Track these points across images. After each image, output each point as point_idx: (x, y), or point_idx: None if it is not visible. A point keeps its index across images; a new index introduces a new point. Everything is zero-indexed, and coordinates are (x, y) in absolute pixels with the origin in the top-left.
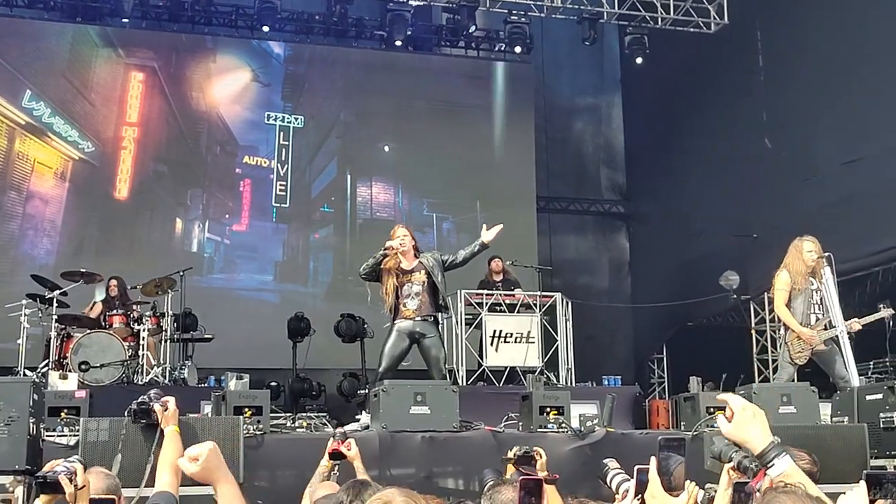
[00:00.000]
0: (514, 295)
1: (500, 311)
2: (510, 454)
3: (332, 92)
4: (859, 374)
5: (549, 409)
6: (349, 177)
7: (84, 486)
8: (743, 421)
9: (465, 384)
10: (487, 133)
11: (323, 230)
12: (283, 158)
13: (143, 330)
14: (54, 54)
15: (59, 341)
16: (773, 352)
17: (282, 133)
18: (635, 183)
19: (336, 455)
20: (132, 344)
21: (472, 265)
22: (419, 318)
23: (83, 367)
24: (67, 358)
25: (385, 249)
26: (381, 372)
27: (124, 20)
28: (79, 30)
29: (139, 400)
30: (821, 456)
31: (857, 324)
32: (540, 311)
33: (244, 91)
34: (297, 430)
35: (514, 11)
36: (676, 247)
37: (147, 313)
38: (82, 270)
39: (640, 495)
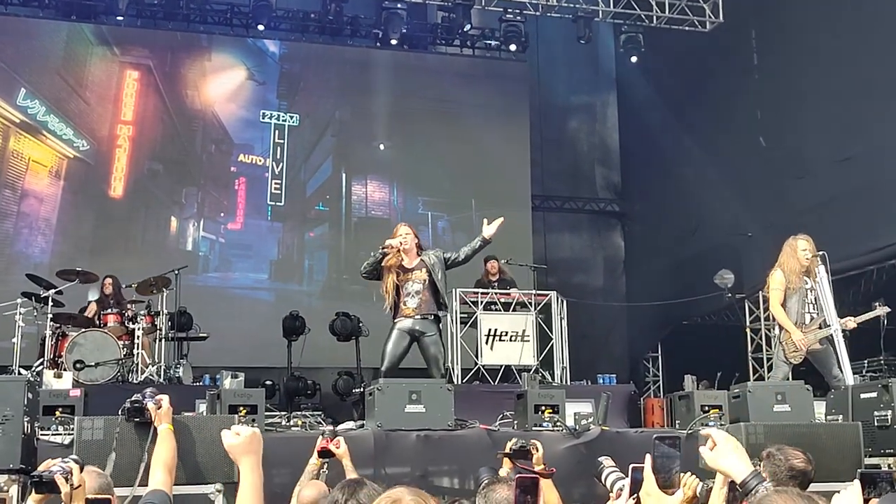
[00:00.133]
0: (509, 294)
1: (496, 309)
2: (506, 448)
3: (328, 90)
4: (854, 373)
5: (544, 408)
6: (344, 175)
7: (80, 486)
8: (725, 452)
9: (460, 383)
10: (482, 131)
11: (318, 228)
12: (279, 157)
13: (138, 329)
14: (49, 52)
15: (53, 340)
16: (767, 350)
17: (277, 131)
18: (630, 181)
19: (325, 453)
20: (127, 343)
21: (469, 265)
22: (419, 317)
23: (78, 365)
24: (62, 357)
25: (384, 248)
26: (384, 371)
27: (119, 18)
28: (73, 28)
29: (133, 398)
30: (815, 454)
31: (851, 322)
32: (535, 309)
33: (239, 89)
34: (292, 428)
35: (510, 10)
36: (671, 245)
37: (142, 312)
38: (78, 269)
39: (635, 494)
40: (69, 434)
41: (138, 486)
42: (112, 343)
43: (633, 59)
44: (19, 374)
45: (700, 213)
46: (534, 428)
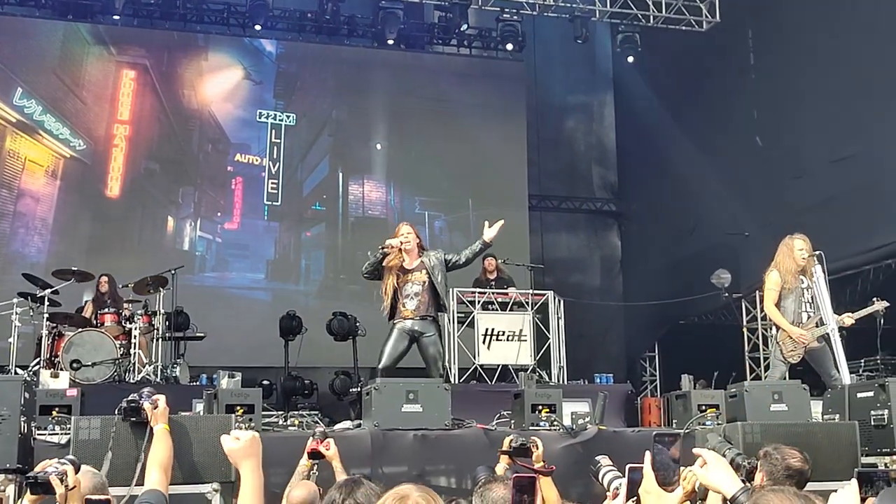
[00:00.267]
0: (506, 293)
1: (493, 309)
2: (505, 445)
3: (324, 90)
4: (850, 373)
5: (541, 407)
6: (341, 175)
7: (75, 487)
8: (716, 470)
9: (457, 382)
10: (479, 131)
11: (315, 228)
12: (275, 156)
13: (135, 328)
14: (45, 52)
15: (50, 340)
16: (764, 350)
17: (273, 131)
18: (627, 181)
19: (315, 455)
20: (124, 342)
21: (463, 272)
22: (418, 318)
23: (75, 365)
24: (59, 356)
25: (384, 248)
26: (380, 369)
27: (116, 18)
28: (70, 27)
29: (129, 398)
30: (812, 454)
31: (848, 319)
32: (532, 309)
33: (236, 89)
34: (289, 428)
35: (506, 10)
36: (668, 245)
37: (139, 312)
38: (74, 269)
39: (632, 494)
40: (66, 434)
41: (135, 485)
42: (109, 343)
43: (630, 59)
44: (16, 373)
45: (697, 212)
46: (531, 427)
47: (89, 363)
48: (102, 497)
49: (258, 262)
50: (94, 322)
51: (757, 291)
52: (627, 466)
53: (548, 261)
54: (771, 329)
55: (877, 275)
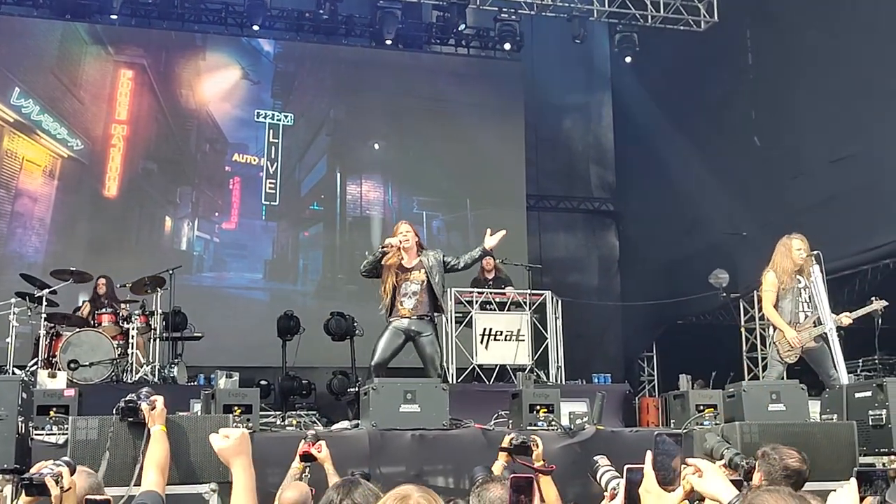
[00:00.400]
0: (504, 293)
1: (491, 309)
2: (505, 443)
3: (322, 89)
4: (848, 372)
5: (539, 407)
6: (339, 174)
7: (70, 489)
8: (712, 478)
9: (455, 382)
10: (477, 131)
11: (313, 228)
12: (273, 156)
13: (133, 328)
14: (43, 52)
15: (48, 340)
16: (762, 350)
17: (271, 131)
18: (625, 181)
19: (306, 457)
20: (121, 342)
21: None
22: (415, 317)
23: (72, 365)
24: (56, 356)
25: (384, 247)
26: (373, 366)
27: (113, 17)
28: (68, 27)
29: (127, 398)
30: (810, 454)
31: (846, 318)
32: (530, 309)
33: (234, 89)
34: (287, 428)
35: (504, 9)
36: (666, 245)
37: (136, 312)
38: (72, 269)
39: (631, 495)
40: (63, 434)
41: (133, 486)
42: (106, 343)
43: (628, 59)
44: (13, 373)
45: (695, 212)
46: (529, 427)
47: (87, 363)
48: (102, 497)
49: (256, 261)
50: (92, 322)
51: (755, 291)
52: (626, 467)
53: (546, 261)
54: (769, 329)
55: (875, 275)
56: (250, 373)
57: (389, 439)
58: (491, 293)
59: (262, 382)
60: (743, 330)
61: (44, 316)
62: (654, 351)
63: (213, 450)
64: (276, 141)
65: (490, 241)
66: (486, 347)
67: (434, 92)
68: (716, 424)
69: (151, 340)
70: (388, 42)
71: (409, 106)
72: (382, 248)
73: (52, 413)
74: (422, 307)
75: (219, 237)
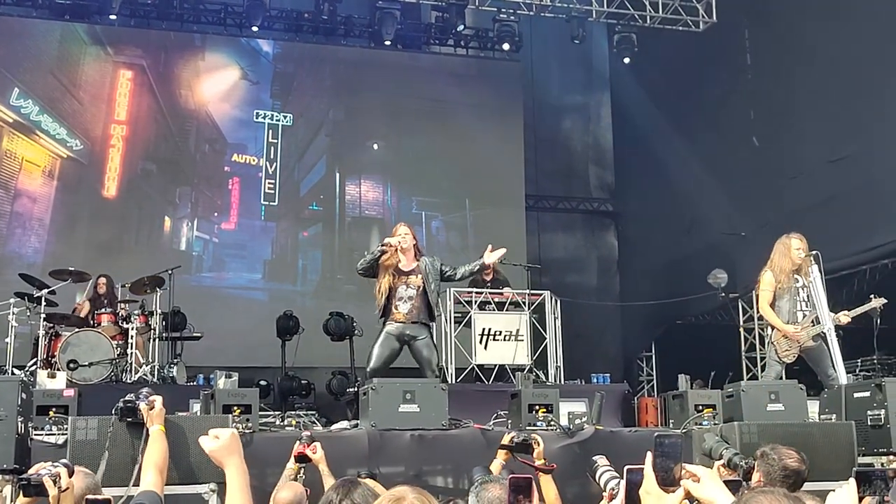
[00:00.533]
0: (503, 293)
1: (490, 309)
2: (506, 441)
3: (321, 90)
4: (847, 372)
5: (538, 407)
6: (338, 175)
7: (68, 489)
8: (708, 484)
9: (454, 382)
10: (476, 131)
11: (312, 228)
12: (272, 156)
13: (132, 328)
14: (42, 52)
15: (47, 340)
16: (761, 350)
17: (270, 131)
18: (624, 181)
19: (301, 458)
20: (121, 342)
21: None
22: (410, 322)
23: (71, 365)
24: (56, 356)
25: (382, 246)
26: (369, 372)
27: (112, 18)
28: (67, 28)
29: (125, 398)
30: (809, 454)
31: (844, 317)
32: (529, 309)
33: (233, 89)
34: (286, 428)
35: (503, 10)
36: (665, 245)
37: (135, 312)
38: (71, 269)
39: (631, 495)
40: (63, 434)
41: (132, 486)
42: (106, 343)
43: (626, 59)
44: (13, 374)
45: (693, 212)
46: (528, 427)
47: (86, 363)
48: (102, 497)
49: (255, 262)
50: (91, 322)
51: (753, 291)
52: (625, 468)
53: (545, 261)
54: (767, 329)
55: (873, 275)
56: (249, 373)
57: (389, 439)
58: (490, 293)
59: (262, 382)
60: (742, 330)
61: (43, 316)
62: (653, 351)
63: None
64: (276, 141)
65: (490, 257)
66: (486, 347)
67: (433, 92)
68: (714, 424)
69: (151, 340)
70: (387, 42)
71: (408, 106)
72: (381, 246)
73: (51, 413)
74: (417, 312)
75: (218, 237)
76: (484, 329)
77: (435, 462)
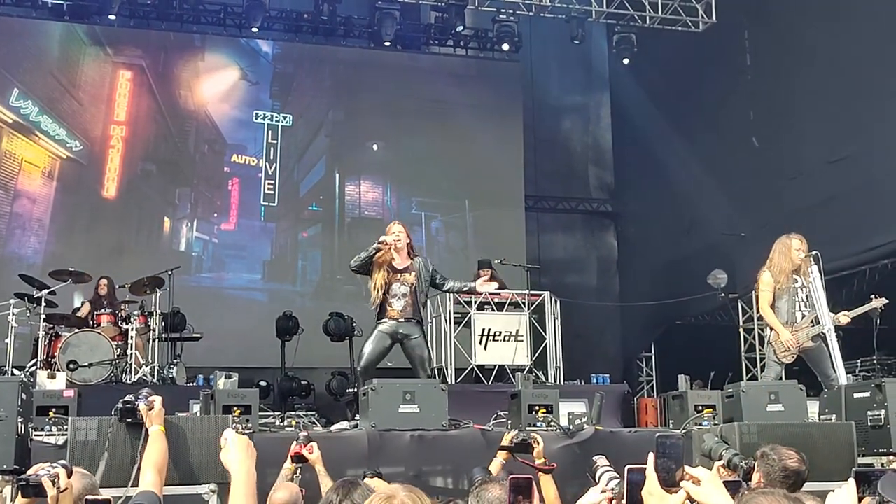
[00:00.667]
0: (501, 294)
1: (489, 309)
2: (505, 441)
3: (321, 90)
4: (847, 373)
5: (537, 408)
6: (338, 175)
7: (66, 490)
8: (709, 487)
9: (454, 383)
10: (476, 132)
11: (311, 229)
12: (272, 157)
13: (132, 329)
14: (42, 53)
15: (47, 340)
16: (760, 350)
17: (270, 132)
18: (623, 182)
19: (298, 458)
20: (120, 343)
21: (460, 270)
22: (403, 320)
23: (71, 366)
24: (55, 357)
25: (378, 244)
26: (360, 370)
27: (112, 18)
28: (66, 28)
29: (125, 398)
30: (809, 454)
31: (844, 317)
32: (528, 309)
33: (232, 89)
34: (286, 428)
35: (503, 10)
36: (665, 245)
37: (135, 312)
38: (70, 270)
39: (632, 495)
40: (63, 435)
41: (131, 486)
42: (105, 343)
43: (626, 60)
44: (13, 374)
45: (693, 213)
46: (528, 428)
47: (86, 364)
48: (102, 498)
49: (255, 262)
50: (91, 323)
51: (753, 292)
52: (626, 468)
53: (544, 261)
54: (766, 329)
55: (872, 275)
56: (249, 373)
57: (388, 440)
58: (489, 294)
59: (261, 383)
60: (741, 330)
61: (43, 317)
62: (653, 351)
63: (212, 451)
64: (275, 142)
65: (482, 287)
66: (485, 348)
67: (433, 93)
68: (714, 425)
69: (150, 341)
70: (387, 43)
71: (408, 107)
72: (378, 244)
73: (51, 414)
74: (410, 309)
75: (217, 238)
76: (484, 329)
77: (435, 463)
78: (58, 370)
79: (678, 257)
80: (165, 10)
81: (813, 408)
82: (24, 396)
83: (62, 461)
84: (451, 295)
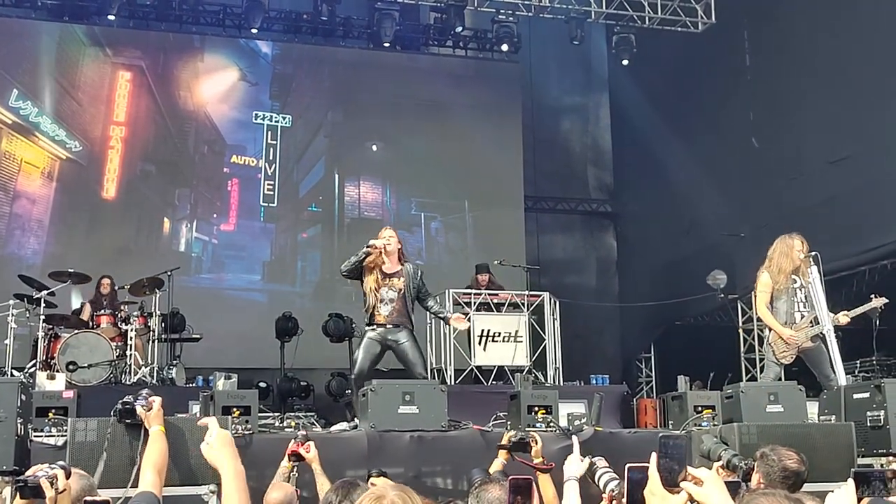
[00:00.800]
0: (499, 294)
1: (489, 310)
2: (504, 441)
3: (320, 91)
4: (846, 373)
5: (537, 409)
6: (337, 176)
7: (64, 491)
8: (710, 488)
9: (453, 383)
10: (475, 132)
11: (311, 230)
12: (271, 158)
13: (131, 330)
14: (41, 53)
15: (46, 341)
16: (760, 351)
17: (269, 132)
18: (622, 182)
19: (295, 456)
20: (120, 344)
21: (460, 270)
22: (391, 326)
23: (71, 367)
24: (55, 358)
25: (368, 247)
26: (353, 378)
27: (111, 19)
28: (66, 29)
29: (124, 399)
30: (808, 454)
31: (844, 317)
32: (528, 310)
33: (232, 90)
34: (286, 429)
35: (502, 11)
36: (664, 246)
37: (135, 313)
38: (70, 271)
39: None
40: (62, 435)
41: (131, 487)
42: (105, 344)
43: (625, 60)
44: (12, 375)
45: (693, 213)
46: (527, 428)
47: (85, 365)
48: (100, 498)
49: (254, 263)
50: (91, 324)
51: (752, 292)
52: (627, 466)
53: (543, 262)
54: (766, 330)
55: (872, 276)
56: (249, 374)
57: (388, 440)
58: (489, 294)
59: (261, 384)
60: (741, 331)
61: (42, 317)
62: (652, 352)
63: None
64: (275, 142)
65: (454, 323)
66: (485, 349)
67: (432, 93)
68: (714, 426)
69: (150, 342)
70: (386, 44)
71: (407, 107)
72: (367, 248)
73: (50, 415)
74: (397, 315)
75: (217, 239)
76: (483, 330)
77: (434, 463)
78: (57, 371)
79: (677, 258)
80: (165, 11)
81: (812, 408)
82: (23, 397)
83: (60, 462)
84: (451, 295)
